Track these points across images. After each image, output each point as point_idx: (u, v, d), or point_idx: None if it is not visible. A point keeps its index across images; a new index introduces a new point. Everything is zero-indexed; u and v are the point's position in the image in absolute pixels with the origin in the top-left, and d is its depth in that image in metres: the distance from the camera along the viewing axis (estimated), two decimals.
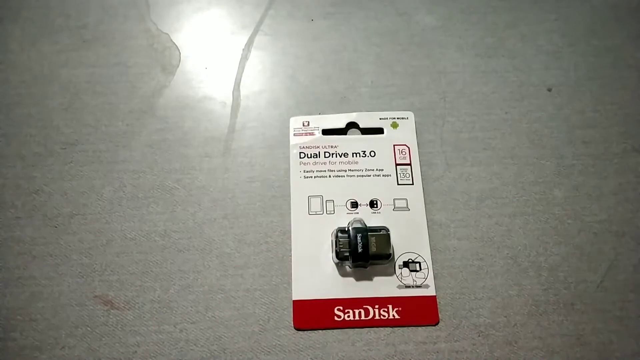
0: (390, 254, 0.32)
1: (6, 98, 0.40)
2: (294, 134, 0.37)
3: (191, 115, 0.39)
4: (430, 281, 0.33)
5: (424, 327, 0.33)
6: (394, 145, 0.37)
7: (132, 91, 0.40)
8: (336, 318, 0.32)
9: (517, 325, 0.33)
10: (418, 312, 0.32)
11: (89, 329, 0.33)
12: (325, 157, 0.36)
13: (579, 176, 0.37)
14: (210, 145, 0.38)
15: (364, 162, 0.36)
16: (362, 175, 0.36)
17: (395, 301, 0.32)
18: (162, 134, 0.39)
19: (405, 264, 0.33)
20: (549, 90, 0.40)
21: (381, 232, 0.32)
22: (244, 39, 0.42)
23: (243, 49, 0.42)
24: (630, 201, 0.37)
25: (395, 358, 0.32)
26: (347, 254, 0.32)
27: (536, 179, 0.37)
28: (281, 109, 0.39)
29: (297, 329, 0.32)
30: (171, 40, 0.42)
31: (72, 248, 0.35)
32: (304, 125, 0.38)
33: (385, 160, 0.36)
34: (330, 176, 0.36)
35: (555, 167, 0.38)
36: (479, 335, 0.33)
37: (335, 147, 0.37)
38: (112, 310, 0.34)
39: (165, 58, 0.41)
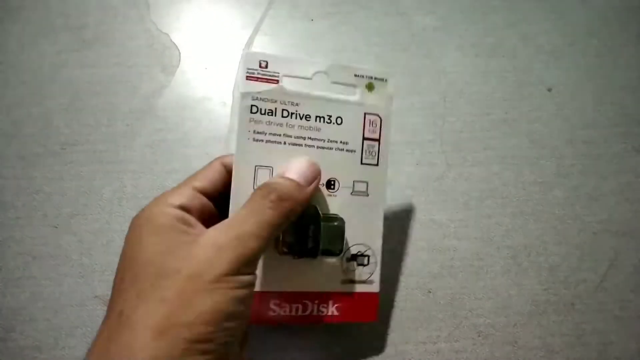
0: (342, 249, 0.29)
1: (6, 98, 0.40)
2: (247, 77, 0.29)
3: (191, 115, 0.39)
4: (376, 276, 0.31)
5: (424, 328, 0.33)
6: (364, 114, 0.31)
7: (132, 91, 0.40)
8: (271, 313, 0.29)
9: (517, 325, 0.33)
10: (358, 308, 0.30)
11: (89, 329, 0.33)
12: (282, 116, 0.29)
13: (579, 176, 0.37)
14: (210, 145, 0.38)
15: (327, 131, 0.30)
16: (323, 147, 0.30)
17: (336, 297, 0.30)
18: (162, 134, 0.39)
19: (354, 257, 0.30)
20: (549, 90, 0.40)
21: (335, 224, 0.28)
22: (244, 39, 0.42)
23: (243, 49, 0.42)
24: (630, 201, 0.37)
25: (396, 358, 0.32)
26: (295, 248, 0.28)
27: (536, 179, 0.37)
28: None
29: None
30: (171, 40, 0.42)
31: (72, 248, 0.35)
32: (260, 66, 0.29)
33: (351, 132, 0.31)
34: (285, 142, 0.29)
35: (555, 167, 0.38)
36: (479, 335, 0.33)
37: (296, 104, 0.29)
38: None
39: (165, 58, 0.41)
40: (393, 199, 0.37)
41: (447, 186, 0.37)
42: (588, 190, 0.37)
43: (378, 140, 0.31)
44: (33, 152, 0.38)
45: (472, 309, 0.34)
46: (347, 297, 0.30)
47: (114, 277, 0.25)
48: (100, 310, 0.34)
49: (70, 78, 0.40)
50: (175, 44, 0.42)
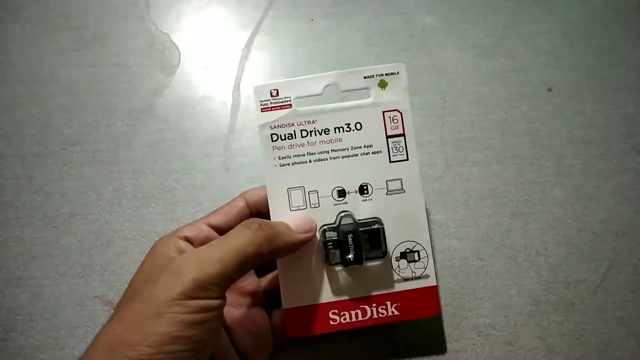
0: (386, 251, 0.30)
1: (6, 98, 0.40)
2: (262, 109, 0.31)
3: (191, 115, 0.39)
4: (430, 270, 0.30)
5: (424, 328, 0.33)
6: (383, 113, 0.31)
7: (132, 91, 0.40)
8: (331, 322, 0.30)
9: (517, 325, 0.33)
10: (418, 304, 0.30)
11: (89, 329, 0.33)
12: (302, 136, 0.30)
13: (579, 176, 0.37)
14: (210, 145, 0.38)
15: (349, 139, 0.31)
16: (348, 156, 0.31)
17: (393, 297, 0.30)
18: (162, 134, 0.39)
19: (403, 255, 0.30)
20: (549, 90, 0.40)
21: (374, 227, 0.29)
22: (244, 39, 0.42)
23: (243, 49, 0.42)
24: (630, 201, 0.37)
25: (396, 358, 0.32)
26: (339, 259, 0.29)
27: (536, 179, 0.37)
28: None
29: (291, 336, 0.30)
30: (171, 40, 0.42)
31: (72, 248, 0.35)
32: (272, 95, 0.31)
33: (374, 133, 0.31)
34: (310, 161, 0.30)
35: (555, 167, 0.38)
36: (479, 335, 0.33)
37: (312, 122, 0.31)
38: (112, 311, 0.34)
39: (165, 58, 0.41)
40: None
41: (447, 186, 0.37)
42: (588, 190, 0.37)
43: (403, 134, 0.31)
44: (33, 152, 0.38)
45: (472, 309, 0.34)
46: (404, 296, 0.30)
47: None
48: (100, 310, 0.34)
49: (70, 78, 0.40)
50: (175, 44, 0.42)
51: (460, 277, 0.34)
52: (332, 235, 0.29)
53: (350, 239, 0.29)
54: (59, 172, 0.37)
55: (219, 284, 0.23)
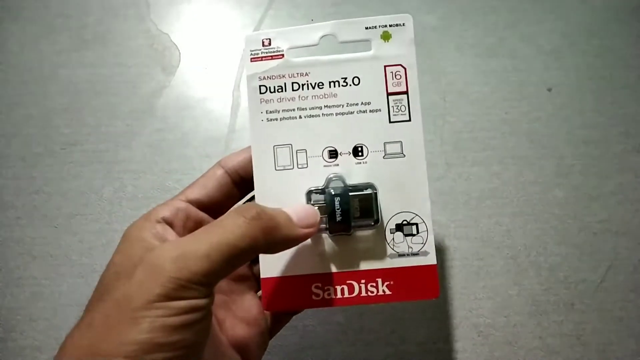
0: (378, 219, 0.26)
1: (6, 98, 0.40)
2: (252, 59, 0.28)
3: (191, 115, 0.39)
4: (430, 246, 0.27)
5: (424, 328, 0.33)
6: (384, 67, 0.28)
7: (132, 91, 0.40)
8: (314, 297, 0.27)
9: (517, 325, 0.33)
10: (414, 284, 0.27)
11: None
12: (293, 90, 0.28)
13: (579, 176, 0.37)
14: (210, 145, 0.38)
15: (344, 94, 0.28)
16: (343, 113, 0.27)
17: (385, 273, 0.27)
18: (162, 134, 0.39)
19: (399, 227, 0.27)
20: (549, 90, 0.40)
21: (365, 192, 0.26)
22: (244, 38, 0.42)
23: (243, 49, 0.42)
24: (630, 201, 0.37)
25: (395, 358, 0.32)
26: (324, 222, 0.26)
27: (536, 179, 0.37)
28: None
29: (268, 310, 0.27)
30: (171, 40, 0.42)
31: (72, 248, 0.35)
32: (264, 44, 0.28)
33: (373, 89, 0.28)
34: (300, 117, 0.28)
35: (555, 167, 0.38)
36: (478, 335, 0.33)
37: (306, 75, 0.28)
38: None
39: (165, 58, 0.41)
40: None
41: (447, 186, 0.37)
42: (588, 190, 0.37)
43: (406, 92, 0.28)
44: (33, 152, 0.38)
45: (472, 309, 0.34)
46: (398, 274, 0.27)
47: None
48: None
49: (70, 78, 0.40)
50: (175, 44, 0.42)
51: (460, 277, 0.34)
52: (318, 198, 0.26)
53: (337, 202, 0.25)
54: (59, 172, 0.37)
55: (207, 283, 0.20)
